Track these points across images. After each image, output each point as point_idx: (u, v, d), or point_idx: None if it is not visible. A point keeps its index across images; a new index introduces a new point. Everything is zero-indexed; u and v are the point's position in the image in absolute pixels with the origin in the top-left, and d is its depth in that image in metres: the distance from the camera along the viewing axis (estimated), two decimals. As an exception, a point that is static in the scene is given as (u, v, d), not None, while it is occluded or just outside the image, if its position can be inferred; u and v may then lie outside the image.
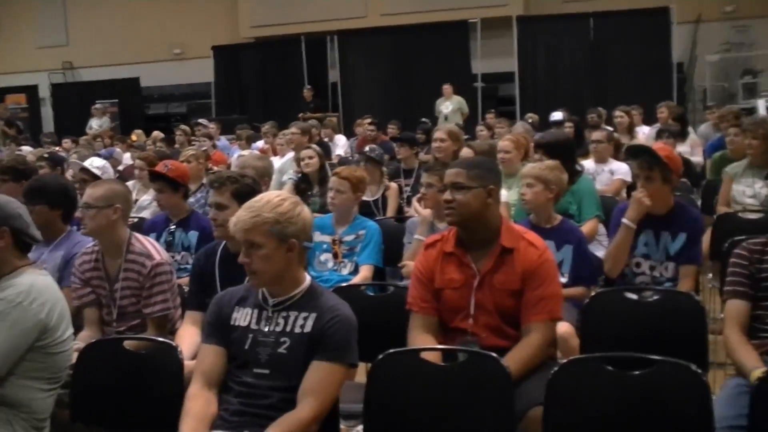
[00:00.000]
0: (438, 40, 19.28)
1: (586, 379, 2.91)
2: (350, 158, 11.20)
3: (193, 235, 5.27)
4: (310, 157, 7.05)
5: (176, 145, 11.76)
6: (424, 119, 14.00)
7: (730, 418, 2.92)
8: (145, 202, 6.91)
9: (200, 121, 13.95)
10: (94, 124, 17.54)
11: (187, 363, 3.27)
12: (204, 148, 9.31)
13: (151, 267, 3.92)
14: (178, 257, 5.23)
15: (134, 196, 6.56)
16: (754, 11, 19.25)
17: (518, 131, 8.35)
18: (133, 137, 14.22)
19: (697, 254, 4.47)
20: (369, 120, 12.37)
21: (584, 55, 18.54)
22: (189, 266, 4.86)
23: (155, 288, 3.91)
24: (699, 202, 6.64)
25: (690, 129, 10.78)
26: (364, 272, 4.98)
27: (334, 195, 5.19)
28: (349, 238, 5.11)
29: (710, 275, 5.49)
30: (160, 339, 3.50)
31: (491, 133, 10.95)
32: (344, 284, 4.48)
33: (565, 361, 3.08)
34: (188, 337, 3.72)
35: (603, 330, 3.72)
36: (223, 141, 13.14)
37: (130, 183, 6.98)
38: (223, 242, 3.96)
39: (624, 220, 4.32)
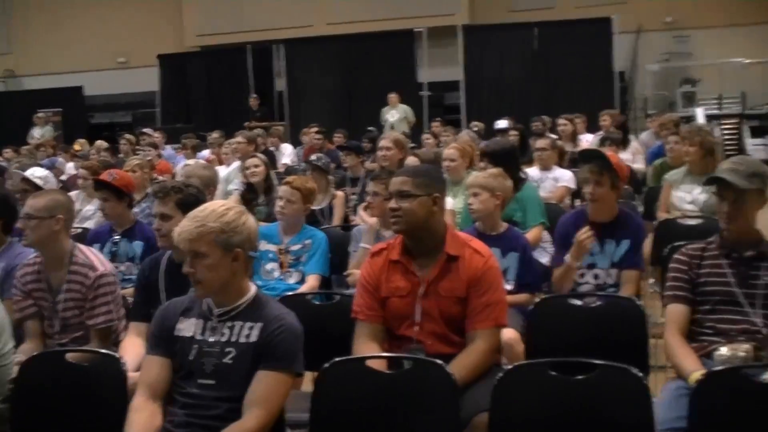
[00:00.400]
0: (384, 48, 19.35)
1: (530, 385, 2.94)
2: (296, 167, 11.16)
3: (137, 246, 5.22)
4: (256, 166, 7.03)
5: (121, 155, 11.62)
6: (370, 128, 14.04)
7: (671, 420, 2.97)
8: (89, 212, 6.82)
9: (145, 130, 13.81)
10: (36, 133, 17.27)
11: (131, 375, 3.23)
12: (149, 158, 9.21)
13: (94, 278, 3.88)
14: (122, 268, 5.17)
15: (77, 206, 6.47)
16: (693, 22, 19.66)
17: (463, 139, 8.41)
18: (77, 146, 14.01)
19: (639, 260, 4.55)
20: (315, 128, 12.36)
21: (529, 64, 18.75)
22: (133, 277, 4.79)
23: (99, 299, 3.87)
24: (641, 209, 6.75)
25: (631, 137, 10.95)
26: (311, 281, 4.97)
27: (284, 204, 5.18)
28: (296, 247, 5.10)
29: (652, 280, 5.58)
30: (104, 351, 3.46)
31: (437, 142, 11.01)
32: (290, 293, 4.47)
33: (510, 367, 3.10)
34: (132, 348, 3.68)
35: (548, 336, 3.76)
36: (168, 150, 13.01)
37: (73, 193, 6.87)
38: (168, 252, 3.93)
39: (566, 259, 4.34)
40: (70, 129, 19.86)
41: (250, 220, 3.03)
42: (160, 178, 8.13)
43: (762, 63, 18.60)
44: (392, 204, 3.43)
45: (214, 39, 20.74)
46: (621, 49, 18.71)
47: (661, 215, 6.04)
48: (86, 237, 5.46)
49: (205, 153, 11.84)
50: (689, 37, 19.83)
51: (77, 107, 21.32)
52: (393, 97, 16.12)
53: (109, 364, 3.25)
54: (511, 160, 5.68)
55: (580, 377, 2.87)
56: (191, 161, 9.44)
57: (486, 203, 4.57)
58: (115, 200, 5.23)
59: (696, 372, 3.07)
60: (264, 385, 2.86)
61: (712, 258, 3.47)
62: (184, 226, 2.94)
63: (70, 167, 11.54)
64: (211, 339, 2.96)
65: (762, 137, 18.47)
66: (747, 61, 18.48)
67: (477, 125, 12.77)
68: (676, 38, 19.95)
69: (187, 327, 3.01)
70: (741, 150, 17.26)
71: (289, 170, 10.21)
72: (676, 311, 3.45)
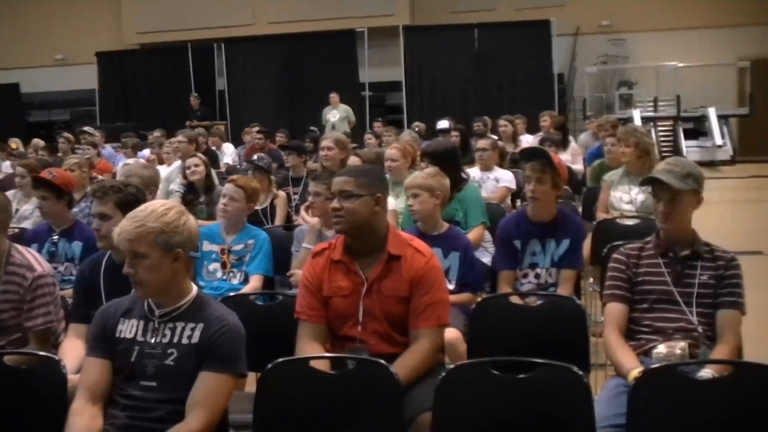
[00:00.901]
0: (326, 48, 19.36)
1: (473, 384, 2.96)
2: (238, 167, 11.12)
3: (77, 246, 5.13)
4: (196, 165, 6.98)
5: (59, 154, 11.44)
6: (312, 128, 14.04)
7: (610, 417, 3.02)
8: (27, 211, 6.71)
9: (85, 128, 13.59)
10: (-30, 131, 16.90)
11: (71, 377, 3.17)
12: (88, 157, 9.08)
13: (32, 279, 3.81)
14: (61, 268, 5.09)
15: (15, 206, 6.35)
16: (629, 26, 20.03)
17: (405, 139, 8.45)
18: (13, 145, 13.75)
19: (579, 259, 4.62)
20: (257, 128, 12.30)
21: (470, 65, 18.91)
22: (73, 277, 4.74)
23: (37, 300, 3.80)
24: (580, 209, 6.85)
25: (571, 138, 11.11)
26: (254, 282, 4.95)
27: (227, 202, 5.15)
28: (238, 247, 5.08)
29: (591, 280, 5.67)
30: (43, 353, 3.39)
31: (379, 142, 11.04)
32: (233, 293, 4.45)
33: (452, 366, 3.12)
34: (72, 350, 3.63)
35: (489, 335, 3.79)
36: (108, 149, 12.84)
37: (10, 192, 6.74)
38: (108, 253, 3.88)
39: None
40: (6, 127, 19.43)
41: (190, 220, 3.01)
42: (100, 177, 8.02)
43: (695, 67, 19.02)
44: (335, 204, 3.42)
45: (154, 37, 20.54)
46: (560, 52, 19.00)
47: (600, 215, 6.13)
48: (24, 237, 5.36)
49: (146, 152, 11.72)
50: (625, 40, 20.20)
51: (14, 105, 20.96)
52: (334, 97, 16.12)
53: (49, 366, 3.19)
54: (452, 160, 5.72)
55: (521, 376, 2.90)
56: (131, 161, 9.35)
57: (425, 204, 4.60)
58: (54, 199, 5.14)
59: (634, 369, 3.12)
60: (206, 386, 2.84)
61: (649, 257, 3.54)
62: (124, 227, 2.90)
63: (6, 166, 11.34)
64: (153, 340, 2.94)
65: (696, 139, 18.88)
66: (681, 65, 18.88)
67: (418, 125, 12.83)
68: (613, 41, 20.30)
69: (128, 328, 2.98)
70: (677, 151, 17.62)
71: (231, 170, 10.18)
72: (615, 310, 3.50)
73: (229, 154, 12.80)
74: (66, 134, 12.56)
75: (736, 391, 2.82)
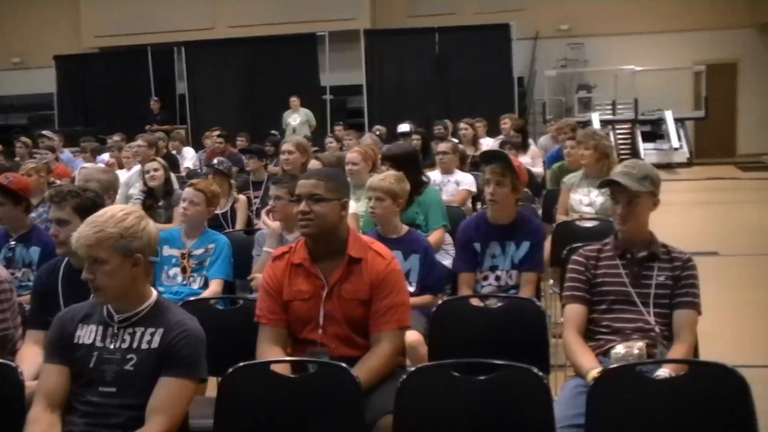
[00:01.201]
0: (287, 52, 19.32)
1: (434, 386, 2.97)
2: (199, 171, 11.05)
3: (34, 251, 5.06)
4: (155, 170, 6.93)
5: (17, 158, 11.29)
6: (273, 131, 14.00)
7: (570, 417, 3.04)
8: (-18, 217, 6.60)
9: (44, 132, 13.43)
10: (-74, 135, 16.64)
11: (29, 384, 3.13)
12: (46, 161, 8.98)
13: (-12, 285, 3.76)
14: (18, 274, 5.01)
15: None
16: (587, 30, 20.24)
17: (366, 143, 8.46)
18: (-33, 150, 13.55)
19: (539, 262, 4.66)
20: (217, 132, 12.24)
21: (430, 69, 18.97)
22: (30, 283, 4.67)
23: (-7, 307, 3.75)
24: (540, 211, 6.90)
25: (531, 141, 11.18)
26: (214, 286, 4.93)
27: (187, 206, 5.13)
28: (199, 251, 5.05)
29: (551, 281, 5.71)
30: (0, 360, 3.36)
31: (340, 145, 11.04)
32: (193, 298, 4.43)
33: (413, 368, 3.13)
34: (30, 357, 3.58)
35: (450, 337, 3.80)
36: (66, 153, 12.71)
37: (-36, 198, 6.64)
38: (66, 258, 3.84)
39: None
40: (-38, 131, 19.24)
41: (150, 225, 2.99)
42: (58, 182, 7.93)
43: (653, 71, 19.26)
44: (303, 207, 3.40)
45: (113, 40, 20.37)
46: (520, 55, 19.12)
47: (560, 217, 6.18)
48: (-21, 243, 5.29)
49: (105, 156, 11.61)
50: (584, 44, 20.41)
51: (-31, 109, 20.67)
52: (294, 100, 16.10)
53: (6, 373, 3.14)
54: (412, 163, 5.74)
55: (482, 377, 2.92)
56: (89, 165, 9.27)
57: (388, 209, 4.62)
58: (11, 204, 5.07)
59: (593, 370, 3.15)
60: (167, 391, 2.82)
61: (608, 259, 3.57)
62: (83, 232, 2.88)
63: (-38, 171, 11.12)
64: (112, 346, 2.91)
65: (653, 142, 19.12)
66: (639, 68, 19.11)
67: (379, 129, 12.84)
68: (572, 45, 20.50)
69: (87, 334, 2.95)
70: (635, 154, 17.84)
71: (191, 174, 10.11)
72: (575, 311, 3.53)
73: (189, 158, 12.72)
74: (23, 138, 12.42)
75: (692, 389, 2.86)
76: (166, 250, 4.97)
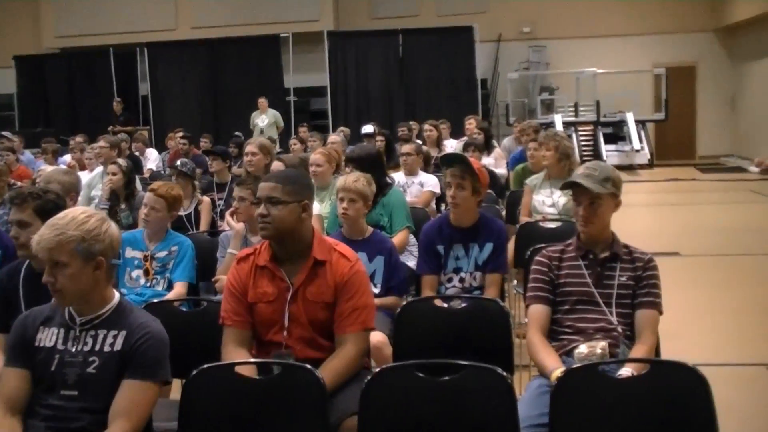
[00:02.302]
0: (250, 53, 19.27)
1: (398, 387, 2.97)
2: (162, 172, 10.99)
3: (-7, 254, 5.01)
4: (114, 174, 6.85)
5: (-25, 160, 11.14)
6: (237, 133, 13.94)
7: (534, 417, 3.06)
8: (-60, 220, 6.51)
9: (3, 133, 13.28)
10: None
11: (-11, 388, 3.10)
12: (5, 161, 8.87)
13: (-53, 288, 3.71)
14: (-23, 278, 4.95)
15: (-73, 214, 6.16)
16: (549, 32, 20.41)
17: (334, 139, 8.47)
18: (-77, 151, 13.34)
19: (502, 263, 4.67)
20: (181, 133, 12.18)
21: (394, 70, 19.02)
22: (-10, 287, 4.61)
23: (-48, 310, 3.69)
24: (504, 213, 6.94)
25: (494, 142, 11.24)
26: (178, 288, 4.89)
27: (148, 212, 5.07)
28: (162, 254, 5.01)
29: (515, 282, 5.74)
30: (-41, 364, 3.31)
31: (304, 147, 11.03)
32: (156, 300, 4.40)
33: (378, 369, 3.13)
34: (-11, 361, 3.54)
35: (415, 338, 3.81)
36: (27, 155, 12.58)
37: None
38: (27, 261, 3.80)
39: None
40: None
41: (112, 227, 2.96)
42: (19, 183, 7.83)
43: (614, 73, 19.46)
44: (261, 210, 3.40)
45: (74, 41, 20.19)
46: (483, 58, 19.22)
47: (523, 219, 6.22)
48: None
49: (67, 158, 11.50)
50: (546, 47, 20.57)
51: (-74, 109, 20.34)
52: (263, 102, 16.09)
53: (-35, 378, 3.11)
54: (376, 165, 5.75)
55: (446, 378, 2.92)
56: (50, 167, 9.18)
57: (358, 211, 4.64)
58: (-31, 207, 5.02)
59: (557, 370, 3.17)
60: (130, 394, 2.80)
61: (570, 259, 3.60)
62: (43, 235, 2.84)
63: None
64: (74, 348, 2.88)
65: (615, 143, 19.31)
66: (600, 71, 19.29)
67: (343, 130, 12.85)
68: (534, 48, 20.65)
69: (48, 337, 2.92)
70: (597, 155, 18.01)
71: (154, 176, 10.06)
72: (538, 311, 3.55)
73: (152, 159, 12.65)
74: (-18, 140, 12.27)
75: (654, 388, 2.89)
76: (129, 252, 4.93)
